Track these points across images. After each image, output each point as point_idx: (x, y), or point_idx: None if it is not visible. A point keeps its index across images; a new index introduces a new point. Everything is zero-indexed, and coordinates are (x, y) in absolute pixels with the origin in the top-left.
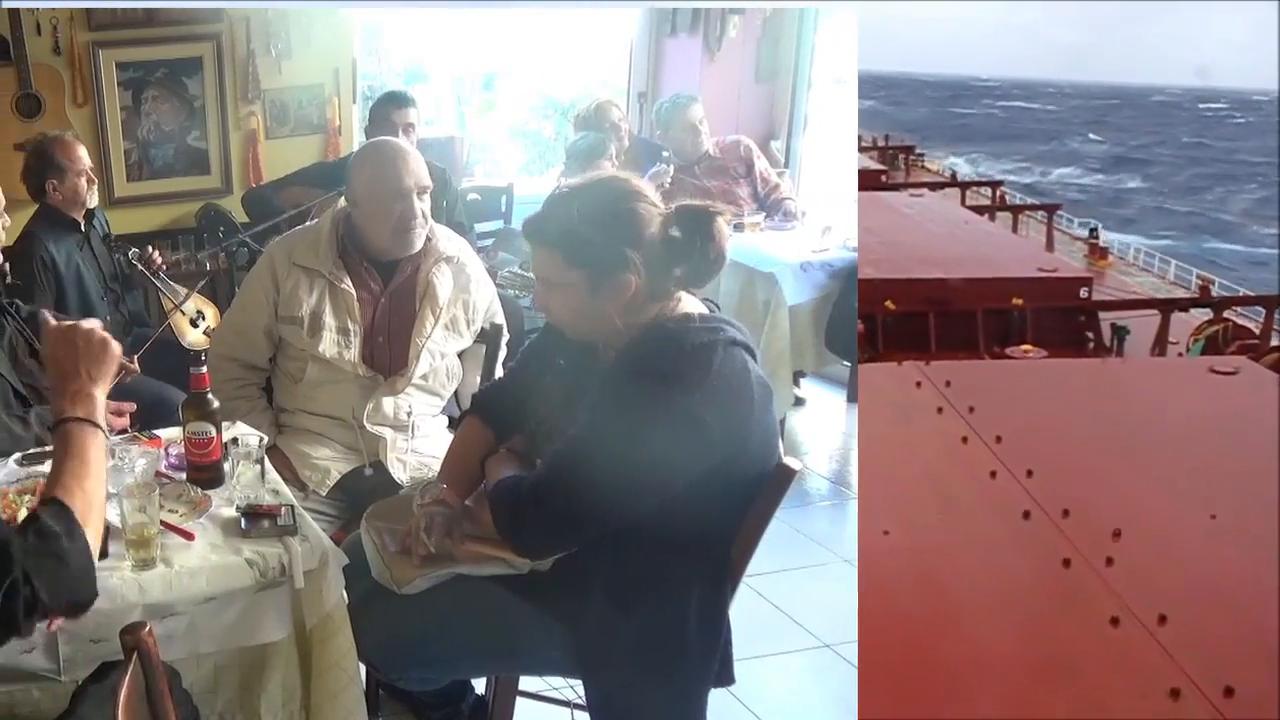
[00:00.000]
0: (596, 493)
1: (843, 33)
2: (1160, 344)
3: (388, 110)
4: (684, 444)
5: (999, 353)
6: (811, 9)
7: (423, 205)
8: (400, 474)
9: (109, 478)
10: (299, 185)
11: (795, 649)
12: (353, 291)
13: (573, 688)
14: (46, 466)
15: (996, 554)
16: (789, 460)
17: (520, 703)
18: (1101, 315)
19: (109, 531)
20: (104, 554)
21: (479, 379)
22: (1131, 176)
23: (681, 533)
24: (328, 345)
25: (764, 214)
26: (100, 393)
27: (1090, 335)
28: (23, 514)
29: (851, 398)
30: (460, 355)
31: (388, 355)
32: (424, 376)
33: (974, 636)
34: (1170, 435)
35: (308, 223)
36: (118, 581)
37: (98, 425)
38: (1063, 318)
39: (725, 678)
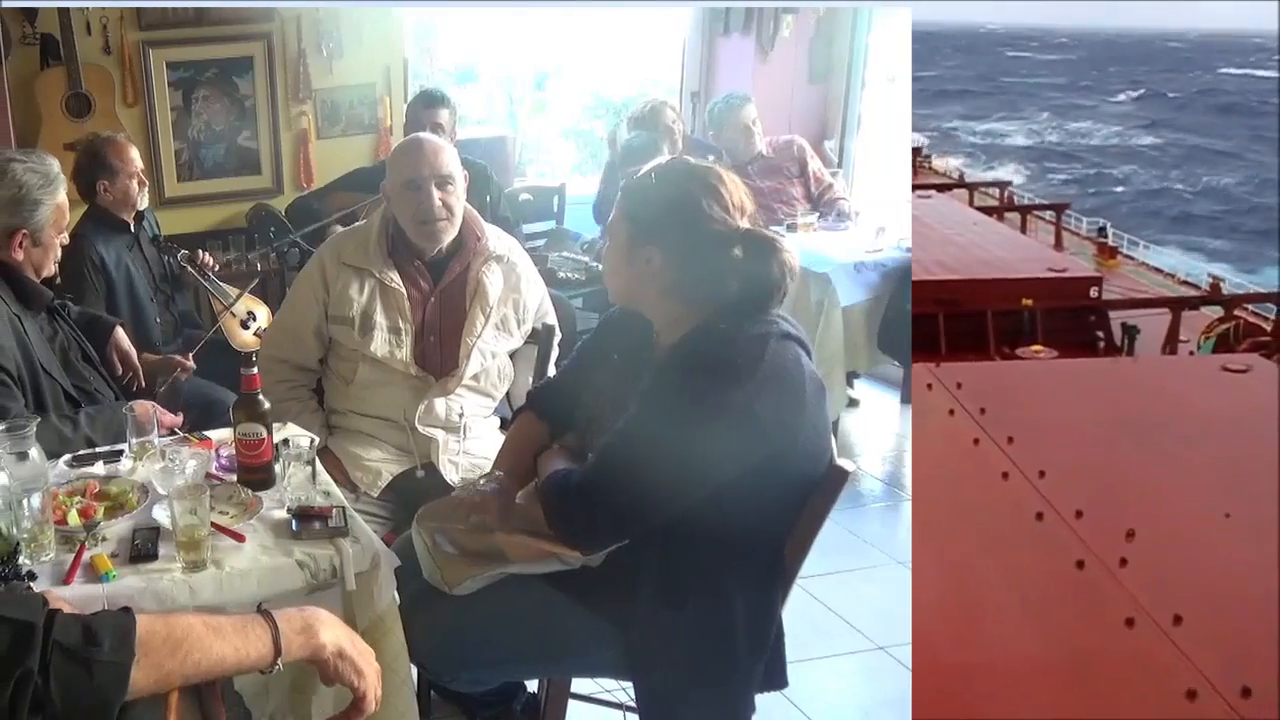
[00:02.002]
0: (645, 484)
1: (896, 32)
2: (1171, 343)
3: (416, 110)
4: (734, 435)
5: (1009, 353)
6: (865, 8)
7: (444, 196)
8: (452, 475)
9: (159, 479)
10: (342, 191)
11: (848, 651)
12: (402, 290)
13: (625, 690)
14: (96, 468)
15: (1010, 555)
16: (842, 461)
17: (572, 705)
18: (1112, 314)
19: (159, 534)
20: (154, 556)
21: (531, 380)
22: (1150, 132)
23: (731, 532)
24: (379, 345)
25: (817, 214)
26: (311, 648)
27: (1101, 335)
28: (72, 515)
29: (905, 399)
30: (512, 356)
31: (439, 355)
32: (475, 377)
33: (995, 638)
34: (1183, 434)
35: (357, 223)
36: (168, 584)
37: (277, 642)
38: (1073, 318)
39: (778, 680)
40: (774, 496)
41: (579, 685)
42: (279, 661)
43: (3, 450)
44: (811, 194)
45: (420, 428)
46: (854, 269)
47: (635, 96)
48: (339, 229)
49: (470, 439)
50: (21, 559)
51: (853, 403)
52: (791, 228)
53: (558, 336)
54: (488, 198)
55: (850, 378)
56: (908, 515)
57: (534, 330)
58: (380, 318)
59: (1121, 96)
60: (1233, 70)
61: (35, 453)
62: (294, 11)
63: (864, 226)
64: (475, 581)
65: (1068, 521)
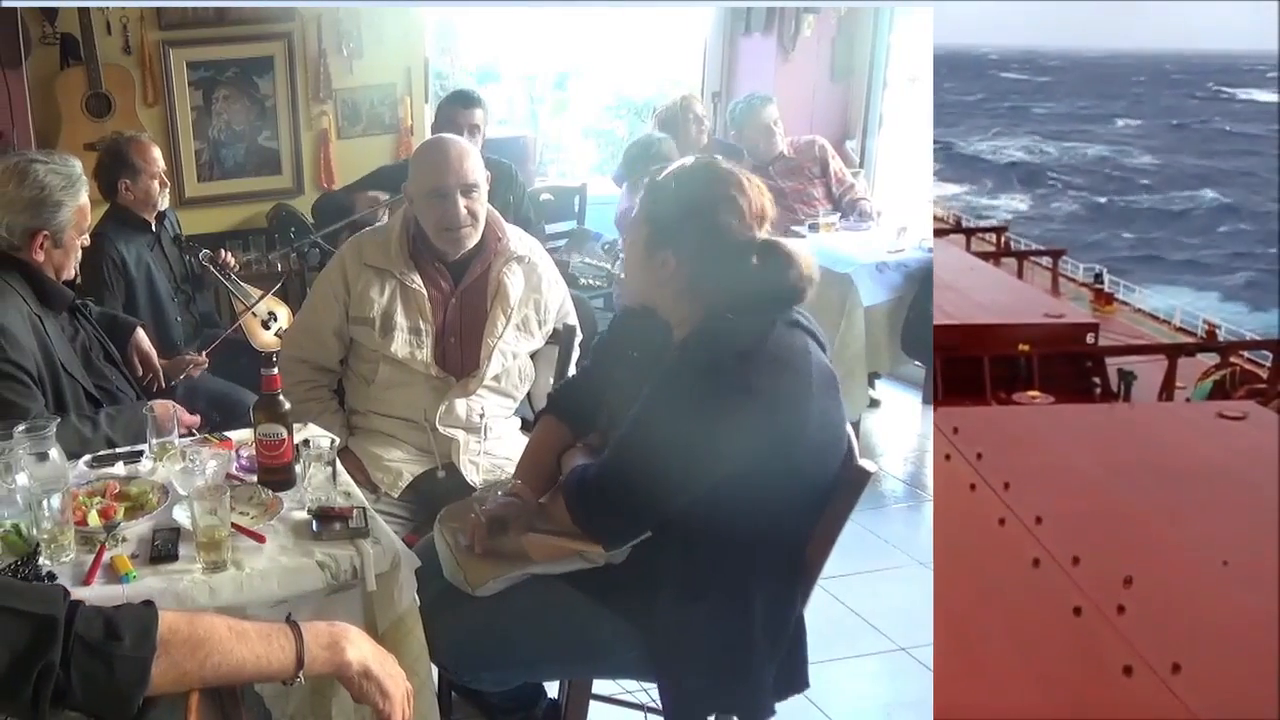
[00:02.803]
0: (657, 471)
1: (918, 31)
2: (1168, 389)
3: (452, 111)
4: (737, 415)
5: (1006, 399)
6: (887, 8)
7: (469, 203)
8: (473, 476)
9: (179, 479)
10: (367, 189)
11: (870, 652)
12: (423, 291)
13: (646, 691)
14: (116, 468)
15: (1008, 602)
16: (864, 462)
17: (594, 706)
18: (1108, 360)
19: (179, 535)
20: (174, 556)
21: (552, 380)
22: (1152, 155)
23: (751, 530)
24: (400, 345)
25: (839, 214)
26: (335, 665)
27: (1097, 381)
28: (92, 516)
29: (927, 399)
30: (533, 357)
31: (459, 356)
32: (496, 378)
33: (995, 684)
34: (1179, 481)
35: (378, 223)
36: (188, 584)
37: (300, 654)
38: (1069, 363)
39: (800, 681)
40: (790, 493)
41: (600, 686)
42: (300, 674)
43: (23, 451)
44: (833, 194)
45: (441, 428)
46: (876, 269)
47: (656, 96)
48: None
49: (491, 439)
50: (41, 559)
51: (874, 403)
52: (813, 228)
53: (579, 337)
54: (510, 198)
55: (871, 378)
56: (929, 516)
57: (555, 331)
58: (401, 319)
59: (1120, 123)
60: (1226, 88)
61: (55, 453)
62: (314, 11)
63: (886, 226)
64: (498, 582)
65: (1065, 568)
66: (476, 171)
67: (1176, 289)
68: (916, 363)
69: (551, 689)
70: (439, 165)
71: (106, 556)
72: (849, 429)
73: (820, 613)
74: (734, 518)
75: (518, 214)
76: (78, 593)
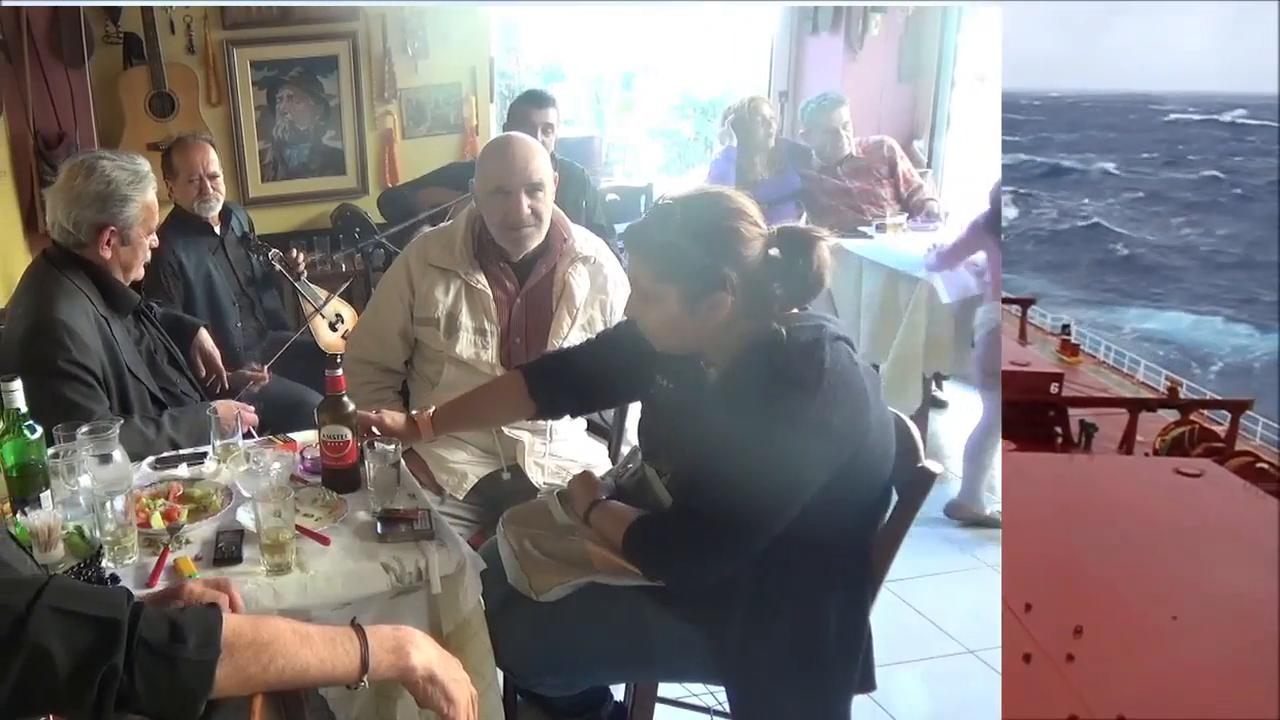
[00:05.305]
0: (744, 514)
1: (986, 31)
2: (1128, 442)
3: (526, 109)
4: (813, 449)
5: None
6: (955, 7)
7: (533, 202)
8: (538, 478)
9: (243, 481)
10: (435, 185)
11: (938, 655)
12: (489, 291)
13: (713, 694)
14: (180, 470)
15: None
16: (930, 463)
17: (660, 709)
18: (1071, 411)
19: (243, 537)
20: (238, 559)
21: None
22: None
23: (817, 536)
24: (465, 346)
25: (906, 215)
26: (400, 669)
27: (1059, 430)
28: (156, 518)
29: None
30: None
31: (525, 357)
32: None
33: None
34: (1135, 534)
35: (444, 223)
36: (252, 587)
37: (365, 658)
38: (1032, 412)
39: (867, 684)
40: (852, 498)
41: (666, 689)
42: (365, 678)
43: (86, 452)
44: (901, 194)
45: (506, 430)
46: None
47: (723, 96)
48: (427, 228)
49: (556, 441)
50: (104, 562)
51: (941, 404)
52: (880, 228)
53: None
54: (583, 202)
55: (939, 379)
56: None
57: None
58: (466, 319)
59: (1101, 163)
60: (1192, 115)
61: (119, 455)
62: (379, 10)
63: (953, 227)
64: (562, 588)
65: (1016, 614)
66: (542, 171)
67: (1175, 313)
68: None
69: (617, 692)
70: (504, 163)
71: (170, 559)
72: (914, 429)
73: (887, 616)
74: (802, 529)
75: (590, 218)
76: (141, 595)
